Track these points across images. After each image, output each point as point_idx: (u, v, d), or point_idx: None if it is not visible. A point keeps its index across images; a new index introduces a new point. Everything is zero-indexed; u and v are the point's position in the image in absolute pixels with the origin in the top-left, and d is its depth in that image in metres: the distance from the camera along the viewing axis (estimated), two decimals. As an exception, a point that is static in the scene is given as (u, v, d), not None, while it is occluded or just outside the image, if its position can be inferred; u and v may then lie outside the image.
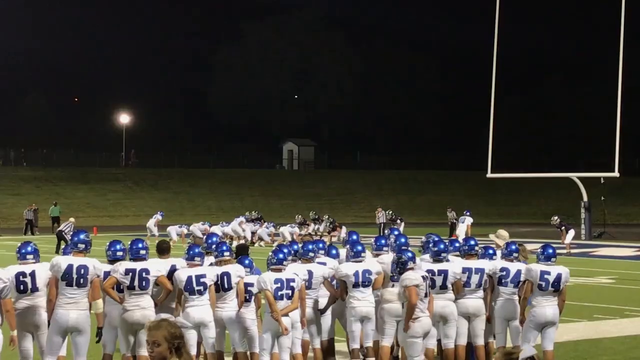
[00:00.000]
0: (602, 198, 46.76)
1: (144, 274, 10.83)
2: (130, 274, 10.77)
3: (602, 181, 43.51)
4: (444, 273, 11.48)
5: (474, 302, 11.66)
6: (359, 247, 11.83)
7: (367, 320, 11.48)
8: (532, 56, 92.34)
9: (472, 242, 12.03)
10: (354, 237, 12.75)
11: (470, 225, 38.38)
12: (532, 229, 51.82)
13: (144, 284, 10.81)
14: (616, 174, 40.23)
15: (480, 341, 11.67)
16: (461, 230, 38.17)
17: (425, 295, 10.75)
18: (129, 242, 11.36)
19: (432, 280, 11.41)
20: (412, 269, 10.86)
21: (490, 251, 12.39)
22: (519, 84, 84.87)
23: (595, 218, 46.46)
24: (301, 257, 11.80)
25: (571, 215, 49.45)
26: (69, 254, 10.85)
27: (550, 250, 11.43)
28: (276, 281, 10.80)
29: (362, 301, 11.34)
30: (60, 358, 10.57)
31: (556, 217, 38.31)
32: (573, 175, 46.11)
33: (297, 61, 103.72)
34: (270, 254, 11.24)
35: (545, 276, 11.17)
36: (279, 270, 10.94)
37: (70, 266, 10.34)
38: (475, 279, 11.64)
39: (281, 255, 11.08)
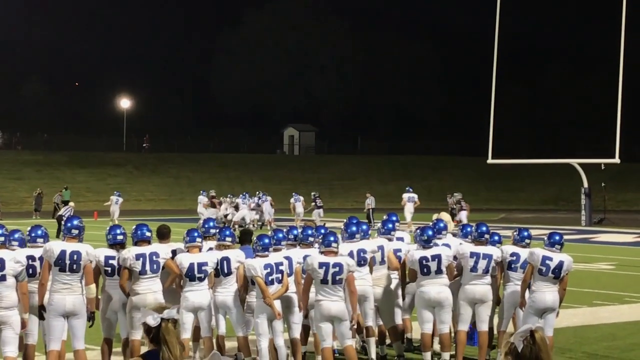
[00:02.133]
0: (603, 184, 46.78)
1: (154, 257, 10.90)
2: (141, 258, 10.82)
3: (602, 167, 43.50)
4: (437, 258, 11.49)
5: (481, 288, 11.64)
6: (353, 228, 11.84)
7: (363, 300, 11.49)
8: (534, 42, 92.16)
9: (484, 229, 12.00)
10: (354, 221, 12.78)
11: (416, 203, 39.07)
12: (533, 215, 51.88)
13: (155, 267, 10.90)
14: (617, 160, 40.24)
15: (484, 327, 11.67)
16: (408, 209, 38.55)
17: (325, 282, 10.61)
18: (134, 227, 11.40)
19: (426, 267, 11.44)
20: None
21: (496, 237, 12.40)
22: (520, 70, 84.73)
23: (596, 204, 46.47)
24: (301, 242, 11.81)
25: (572, 201, 49.50)
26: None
27: (557, 237, 11.43)
28: (266, 266, 10.83)
29: (358, 280, 11.30)
30: (62, 342, 10.60)
31: (457, 194, 38.81)
32: (574, 161, 46.10)
33: (298, 46, 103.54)
34: (254, 239, 11.26)
35: (547, 261, 11.18)
36: (266, 256, 10.96)
37: (63, 252, 10.35)
38: (482, 264, 11.61)
39: (267, 241, 11.08)
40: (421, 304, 11.59)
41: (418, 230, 11.95)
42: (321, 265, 10.62)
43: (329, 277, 10.61)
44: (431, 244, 11.63)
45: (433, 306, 11.51)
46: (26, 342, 10.67)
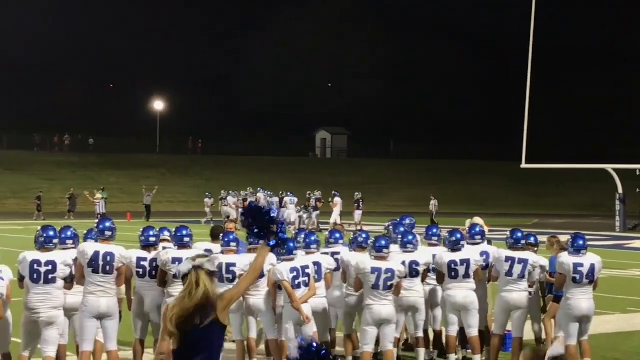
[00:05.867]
0: (638, 190, 46.36)
1: None
2: (177, 263, 10.81)
3: (638, 172, 43.11)
4: (466, 262, 11.44)
5: (517, 295, 11.48)
6: (410, 237, 11.69)
7: (415, 311, 11.55)
8: (570, 44, 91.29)
9: (519, 235, 11.85)
10: (403, 223, 12.76)
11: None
12: (566, 221, 51.49)
13: None
14: (652, 165, 39.88)
15: (519, 333, 11.56)
16: (335, 213, 38.91)
17: (377, 287, 10.64)
18: (174, 229, 11.42)
19: (454, 271, 11.39)
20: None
21: (532, 239, 12.22)
22: (555, 73, 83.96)
23: (630, 210, 46.06)
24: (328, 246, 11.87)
25: (606, 206, 49.00)
26: (93, 239, 10.96)
27: (581, 242, 11.24)
28: (292, 270, 10.74)
29: (409, 291, 11.35)
30: (98, 344, 10.68)
31: (358, 194, 39.97)
32: (608, 167, 45.71)
33: (332, 49, 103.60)
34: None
35: (579, 268, 11.03)
36: (291, 260, 10.91)
37: (96, 253, 10.43)
38: (517, 269, 11.46)
39: (291, 245, 11.03)
40: (447, 307, 11.57)
41: (447, 233, 11.90)
42: (374, 270, 10.62)
43: (381, 283, 10.61)
44: (459, 247, 11.58)
45: (459, 310, 11.48)
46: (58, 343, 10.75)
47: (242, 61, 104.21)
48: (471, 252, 11.63)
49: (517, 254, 11.62)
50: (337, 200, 40.50)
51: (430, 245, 12.11)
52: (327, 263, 11.24)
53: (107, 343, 10.58)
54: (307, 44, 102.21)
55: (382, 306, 10.62)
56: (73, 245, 10.94)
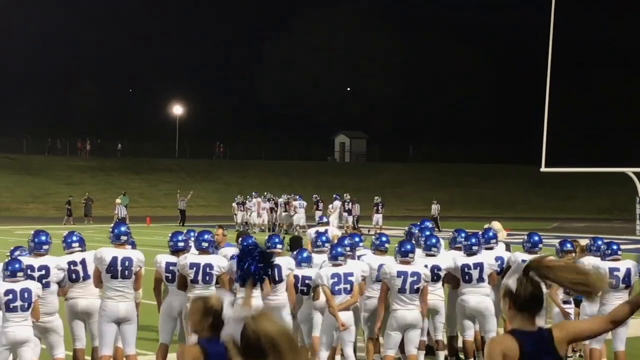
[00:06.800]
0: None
1: (207, 269, 10.88)
2: (195, 268, 10.84)
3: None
4: (479, 266, 11.40)
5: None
6: (433, 240, 11.72)
7: (434, 314, 11.56)
8: (589, 46, 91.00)
9: (536, 238, 11.83)
10: (428, 226, 12.76)
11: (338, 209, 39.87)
12: (587, 224, 51.21)
13: (207, 279, 10.87)
14: (673, 168, 39.57)
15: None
16: (333, 218, 38.62)
17: (403, 291, 10.65)
18: (197, 233, 11.43)
19: (468, 275, 11.34)
20: None
21: (615, 247, 12.07)
22: (575, 76, 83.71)
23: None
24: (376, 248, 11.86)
25: (626, 210, 48.67)
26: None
27: (615, 247, 11.24)
28: (333, 276, 10.69)
29: (430, 294, 11.31)
30: (119, 350, 10.70)
31: (377, 197, 39.88)
32: (628, 170, 45.40)
33: (350, 52, 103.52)
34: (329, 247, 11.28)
35: (615, 273, 10.99)
36: (338, 265, 10.84)
37: (114, 259, 10.46)
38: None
39: (340, 249, 10.99)
40: (460, 312, 11.56)
41: (463, 237, 11.86)
42: (399, 273, 10.59)
43: (407, 286, 10.58)
44: (474, 251, 11.52)
45: (473, 315, 11.47)
46: (75, 347, 10.78)
47: (260, 65, 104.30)
48: (486, 256, 11.60)
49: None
50: (336, 204, 40.35)
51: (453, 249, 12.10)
52: (362, 270, 11.19)
53: (126, 347, 10.62)
54: (324, 47, 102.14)
55: (408, 311, 10.61)
56: (80, 249, 10.99)
